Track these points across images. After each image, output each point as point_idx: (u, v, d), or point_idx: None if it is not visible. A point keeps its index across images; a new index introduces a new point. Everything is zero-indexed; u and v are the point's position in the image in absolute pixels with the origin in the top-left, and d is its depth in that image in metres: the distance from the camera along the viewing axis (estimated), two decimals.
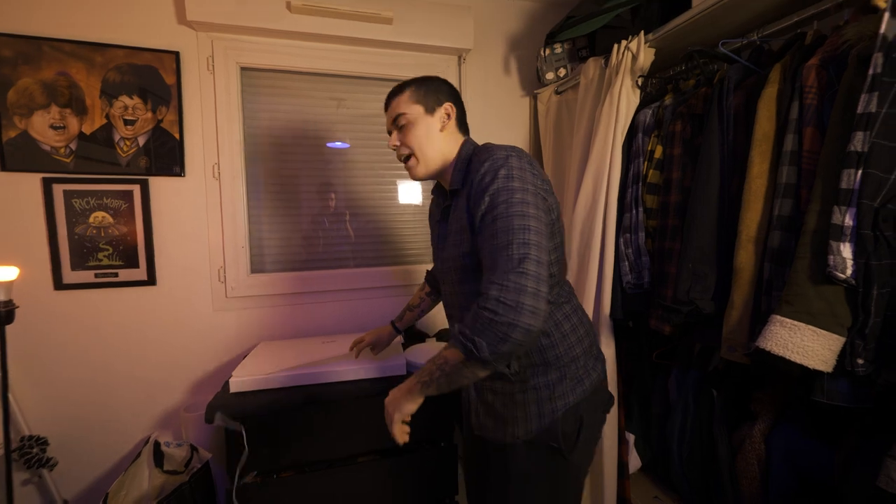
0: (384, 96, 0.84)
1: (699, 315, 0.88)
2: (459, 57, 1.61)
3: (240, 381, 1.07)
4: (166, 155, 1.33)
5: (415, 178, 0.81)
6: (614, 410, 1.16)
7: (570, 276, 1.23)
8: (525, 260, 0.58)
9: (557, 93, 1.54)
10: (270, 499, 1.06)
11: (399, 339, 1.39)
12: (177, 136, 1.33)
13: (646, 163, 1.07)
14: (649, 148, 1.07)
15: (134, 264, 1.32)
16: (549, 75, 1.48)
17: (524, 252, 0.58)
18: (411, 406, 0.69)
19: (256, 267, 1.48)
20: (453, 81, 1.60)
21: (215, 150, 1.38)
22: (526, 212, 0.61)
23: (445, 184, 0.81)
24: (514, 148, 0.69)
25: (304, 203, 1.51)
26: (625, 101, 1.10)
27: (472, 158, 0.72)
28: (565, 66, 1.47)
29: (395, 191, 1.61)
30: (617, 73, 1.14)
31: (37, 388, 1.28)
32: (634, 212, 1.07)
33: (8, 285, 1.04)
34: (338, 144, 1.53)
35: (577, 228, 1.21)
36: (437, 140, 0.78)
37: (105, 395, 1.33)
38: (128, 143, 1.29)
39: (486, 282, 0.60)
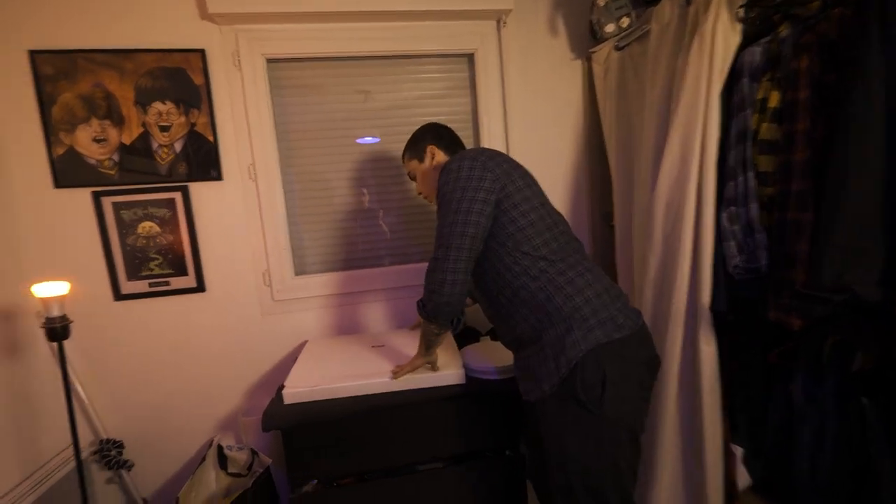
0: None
1: (855, 304, 0.67)
2: (498, 21, 1.42)
3: (293, 392, 1.01)
4: (203, 159, 1.28)
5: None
6: (715, 420, 0.97)
7: (654, 261, 1.04)
8: (449, 248, 0.79)
9: (618, 48, 1.31)
10: None
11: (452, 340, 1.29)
12: (210, 138, 1.28)
13: (756, 115, 0.84)
14: (760, 96, 0.84)
15: (183, 272, 1.31)
16: (610, 27, 1.26)
17: (449, 242, 0.79)
18: (420, 362, 1.01)
19: (299, 269, 1.42)
20: (492, 49, 1.44)
21: (249, 151, 1.32)
22: (459, 208, 0.79)
23: None
24: (472, 151, 0.86)
25: (338, 201, 1.44)
26: (721, 39, 0.87)
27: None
28: (629, 14, 1.24)
29: None
30: (707, 8, 0.91)
31: (109, 395, 1.32)
32: (741, 178, 0.85)
33: (61, 300, 1.03)
34: (367, 139, 1.43)
35: (661, 205, 1.00)
36: (432, 175, 0.98)
37: (169, 400, 1.36)
38: (165, 150, 1.26)
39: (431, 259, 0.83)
